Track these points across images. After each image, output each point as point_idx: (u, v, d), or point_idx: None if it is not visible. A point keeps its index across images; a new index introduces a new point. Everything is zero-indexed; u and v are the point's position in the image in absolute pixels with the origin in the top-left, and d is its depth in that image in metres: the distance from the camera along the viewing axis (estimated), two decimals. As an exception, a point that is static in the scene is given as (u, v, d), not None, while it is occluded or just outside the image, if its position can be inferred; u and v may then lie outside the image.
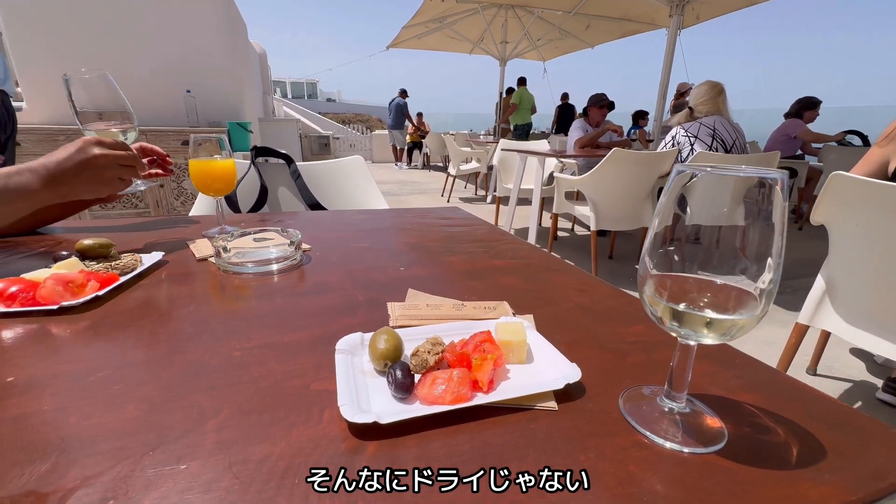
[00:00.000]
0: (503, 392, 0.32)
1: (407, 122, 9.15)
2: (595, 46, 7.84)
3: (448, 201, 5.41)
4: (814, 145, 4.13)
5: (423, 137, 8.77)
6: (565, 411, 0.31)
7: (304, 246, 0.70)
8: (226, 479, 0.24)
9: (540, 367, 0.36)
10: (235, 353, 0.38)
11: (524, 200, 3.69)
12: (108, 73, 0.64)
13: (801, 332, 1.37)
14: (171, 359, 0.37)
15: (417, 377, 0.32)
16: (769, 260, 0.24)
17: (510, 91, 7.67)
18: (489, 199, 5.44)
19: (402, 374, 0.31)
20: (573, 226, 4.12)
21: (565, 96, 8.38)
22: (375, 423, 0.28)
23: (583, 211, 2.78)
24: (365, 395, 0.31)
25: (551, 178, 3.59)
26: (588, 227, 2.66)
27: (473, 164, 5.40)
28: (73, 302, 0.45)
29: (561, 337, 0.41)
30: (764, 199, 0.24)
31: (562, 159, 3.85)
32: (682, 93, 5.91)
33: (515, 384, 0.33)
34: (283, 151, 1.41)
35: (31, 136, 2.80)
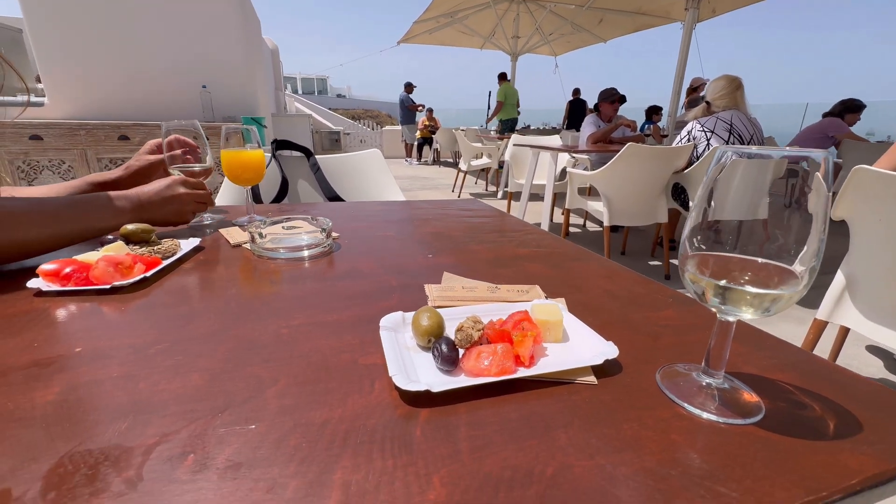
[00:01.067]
0: (544, 367, 0.33)
1: (417, 118, 9.16)
2: (608, 41, 7.77)
3: (459, 197, 5.42)
4: None
5: (434, 133, 8.78)
6: (604, 386, 0.32)
7: (333, 234, 0.72)
8: (293, 438, 0.26)
9: (576, 346, 0.37)
10: (283, 331, 0.40)
11: (535, 196, 3.68)
12: (197, 121, 0.80)
13: (819, 328, 1.36)
14: (223, 335, 0.39)
15: (461, 352, 0.34)
16: (812, 240, 0.25)
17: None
18: (500, 194, 5.44)
19: (447, 349, 0.33)
20: (585, 221, 4.10)
21: (576, 91, 8.31)
22: (427, 392, 0.29)
23: (596, 206, 2.77)
24: (412, 368, 0.33)
25: (563, 173, 3.58)
26: (600, 223, 2.66)
27: (485, 160, 5.39)
28: (124, 282, 0.47)
29: (592, 320, 0.42)
30: (806, 179, 0.25)
31: (574, 155, 3.84)
32: (694, 88, 5.83)
33: (554, 360, 0.35)
34: (303, 145, 1.43)
35: (52, 131, 2.86)
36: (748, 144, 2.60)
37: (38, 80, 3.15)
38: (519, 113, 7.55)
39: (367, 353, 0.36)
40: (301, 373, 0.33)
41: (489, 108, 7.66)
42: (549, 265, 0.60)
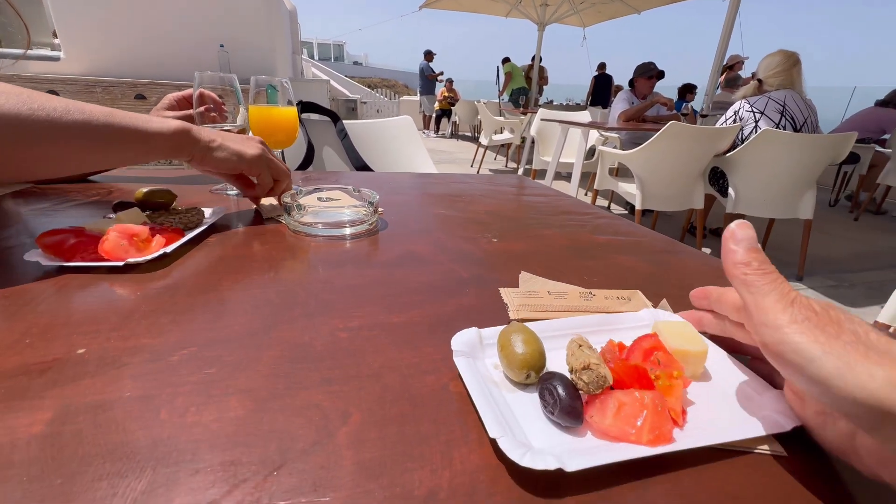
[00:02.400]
0: (706, 429, 0.23)
1: (437, 89, 8.89)
2: (642, 12, 7.32)
3: (478, 172, 5.25)
4: None
5: (453, 105, 8.50)
6: (797, 458, 0.23)
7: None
8: (390, 527, 0.17)
9: (723, 386, 0.27)
10: (341, 335, 0.31)
11: (557, 174, 3.53)
12: (235, 76, 0.69)
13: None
14: (265, 337, 0.30)
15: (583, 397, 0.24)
16: None
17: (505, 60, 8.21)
18: (521, 171, 5.26)
19: (567, 395, 0.23)
20: (609, 204, 3.94)
21: (602, 66, 7.92)
22: (560, 471, 0.20)
23: (627, 188, 2.63)
24: (514, 421, 0.23)
25: (591, 152, 3.40)
26: (626, 207, 2.52)
27: (506, 135, 5.19)
28: (140, 259, 0.39)
29: (723, 343, 0.33)
30: None
31: (603, 133, 3.64)
32: (730, 66, 5.50)
33: (709, 414, 0.25)
34: (329, 108, 1.32)
35: (68, 87, 2.78)
36: (801, 128, 2.40)
37: (55, 35, 3.03)
38: (545, 84, 8.20)
39: (458, 375, 0.27)
40: (377, 405, 0.24)
41: (497, 80, 8.06)
42: (642, 258, 0.50)
